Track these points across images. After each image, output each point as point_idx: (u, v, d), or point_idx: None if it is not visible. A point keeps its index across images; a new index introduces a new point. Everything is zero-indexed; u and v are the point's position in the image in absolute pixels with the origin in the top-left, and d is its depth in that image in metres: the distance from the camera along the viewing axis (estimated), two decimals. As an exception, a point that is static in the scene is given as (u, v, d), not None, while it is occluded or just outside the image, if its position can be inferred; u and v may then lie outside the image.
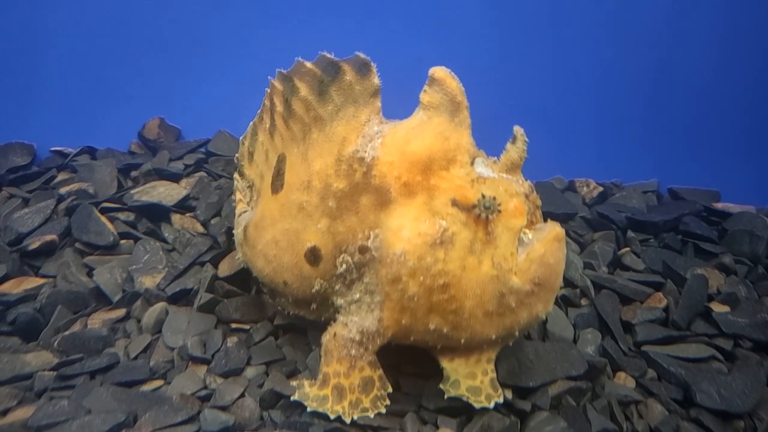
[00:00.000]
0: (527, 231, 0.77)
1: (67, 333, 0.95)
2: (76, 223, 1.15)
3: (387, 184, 0.76)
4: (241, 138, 1.03)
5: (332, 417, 0.79)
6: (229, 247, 1.09)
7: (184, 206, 1.25)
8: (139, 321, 1.00)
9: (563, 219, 1.30)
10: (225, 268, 1.07)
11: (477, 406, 0.80)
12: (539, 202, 0.81)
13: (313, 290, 0.85)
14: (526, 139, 0.78)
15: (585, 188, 1.47)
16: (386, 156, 0.77)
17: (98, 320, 0.99)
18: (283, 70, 0.88)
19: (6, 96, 1.45)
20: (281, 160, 0.90)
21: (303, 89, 0.84)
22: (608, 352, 0.96)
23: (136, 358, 0.93)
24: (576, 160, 1.50)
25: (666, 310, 1.06)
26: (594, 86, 1.46)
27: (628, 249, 1.23)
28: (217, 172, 1.38)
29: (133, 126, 1.50)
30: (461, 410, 0.82)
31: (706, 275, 1.12)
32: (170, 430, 0.79)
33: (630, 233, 1.27)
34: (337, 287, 0.83)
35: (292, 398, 0.81)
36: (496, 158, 0.81)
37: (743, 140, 1.48)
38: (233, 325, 0.99)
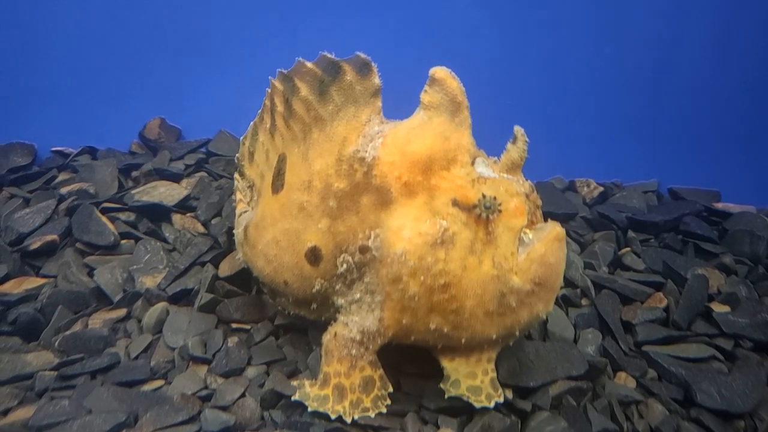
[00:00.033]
0: (528, 231, 0.77)
1: (67, 333, 0.96)
2: (77, 223, 1.15)
3: (388, 184, 0.76)
4: (241, 138, 1.03)
5: (333, 417, 0.79)
6: (230, 247, 1.09)
7: (184, 206, 1.25)
8: (139, 321, 1.00)
9: (564, 219, 1.30)
10: (226, 268, 1.07)
11: (477, 405, 0.80)
12: (540, 202, 0.81)
13: (314, 290, 0.85)
14: (527, 139, 0.78)
15: (585, 188, 1.47)
16: (387, 156, 0.77)
17: (99, 320, 0.99)
18: (283, 70, 0.88)
19: (7, 96, 1.45)
20: (282, 160, 0.90)
21: (303, 89, 0.84)
22: (609, 352, 0.96)
23: (136, 358, 0.93)
24: (576, 160, 1.50)
25: (666, 310, 1.06)
26: (594, 86, 1.46)
27: (628, 249, 1.23)
28: (218, 172, 1.38)
29: (133, 126, 1.50)
30: (462, 410, 0.82)
31: (706, 275, 1.12)
32: (171, 430, 0.79)
33: (630, 233, 1.27)
34: (337, 287, 0.83)
35: (292, 398, 0.82)
36: (496, 158, 0.81)
37: (743, 140, 1.48)
38: (234, 325, 0.99)
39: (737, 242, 1.26)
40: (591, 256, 1.19)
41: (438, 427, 0.81)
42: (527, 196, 0.78)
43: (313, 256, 0.83)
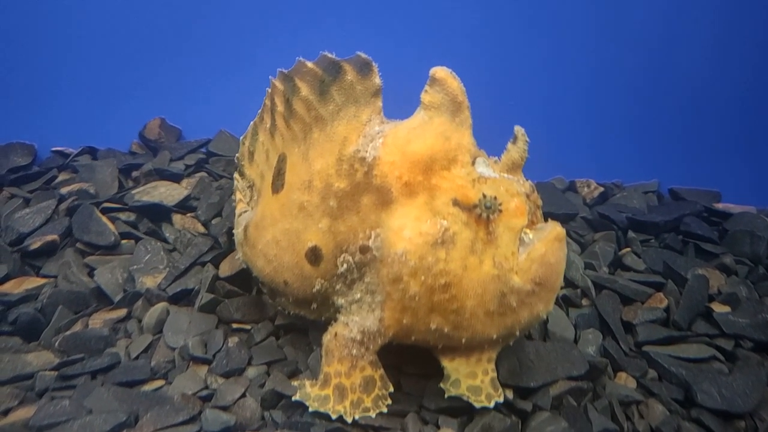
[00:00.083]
0: (528, 231, 0.77)
1: (68, 333, 0.96)
2: (77, 223, 1.15)
3: (388, 184, 0.76)
4: (241, 138, 1.03)
5: (334, 417, 0.79)
6: (230, 247, 1.09)
7: (185, 206, 1.25)
8: (140, 321, 1.00)
9: (564, 219, 1.30)
10: (226, 269, 1.07)
11: (477, 405, 0.80)
12: (540, 202, 0.81)
13: (314, 290, 0.85)
14: (527, 139, 0.78)
15: (586, 188, 1.47)
16: (387, 156, 0.77)
17: (99, 320, 0.99)
18: (284, 70, 0.88)
19: (7, 96, 1.45)
20: (282, 160, 0.90)
21: (304, 89, 0.84)
22: (609, 353, 0.96)
23: (137, 358, 0.93)
24: (577, 160, 1.50)
25: (667, 310, 1.06)
26: (595, 86, 1.46)
27: (628, 249, 1.23)
28: (218, 173, 1.38)
29: (133, 126, 1.50)
30: (462, 410, 0.82)
31: (706, 275, 1.12)
32: (171, 430, 0.79)
33: (631, 233, 1.27)
34: (337, 287, 0.83)
35: (293, 398, 0.81)
36: (496, 158, 0.81)
37: (744, 141, 1.48)
38: (234, 325, 0.99)
39: (737, 242, 1.26)
40: (591, 256, 1.19)
41: (438, 428, 0.81)
42: (528, 196, 0.78)
43: (314, 255, 0.83)
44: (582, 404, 0.87)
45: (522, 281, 0.74)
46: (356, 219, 0.79)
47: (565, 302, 1.06)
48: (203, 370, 0.91)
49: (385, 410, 0.80)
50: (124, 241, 1.15)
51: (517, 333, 0.78)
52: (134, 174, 1.37)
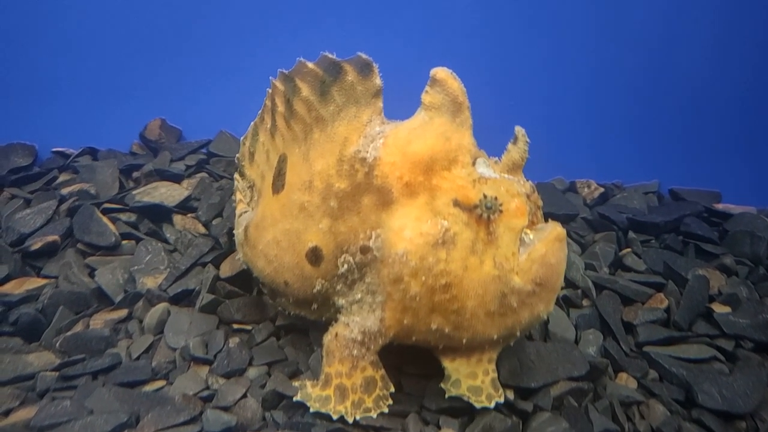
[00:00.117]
0: (528, 231, 0.77)
1: (69, 333, 0.96)
2: (78, 223, 1.15)
3: (389, 185, 0.76)
4: (242, 138, 1.03)
5: (335, 417, 0.79)
6: (231, 247, 1.09)
7: (185, 207, 1.25)
8: (140, 321, 1.00)
9: (564, 220, 1.30)
10: (226, 269, 1.07)
11: (478, 405, 0.80)
12: (540, 203, 0.81)
13: (315, 290, 0.85)
14: (528, 140, 0.78)
15: (586, 189, 1.47)
16: (388, 156, 0.77)
17: (100, 321, 0.99)
18: (284, 71, 0.88)
19: (7, 97, 1.45)
20: (282, 161, 0.90)
21: (305, 89, 0.84)
22: (610, 353, 0.96)
23: (138, 358, 0.93)
24: (577, 160, 1.50)
25: (667, 310, 1.06)
26: (595, 87, 1.46)
27: (629, 250, 1.23)
28: (219, 173, 1.38)
29: (134, 127, 1.50)
30: (463, 411, 0.82)
31: (707, 276, 1.12)
32: (172, 431, 0.79)
33: (631, 234, 1.27)
34: (338, 287, 0.83)
35: (294, 399, 0.82)
36: (497, 158, 0.81)
37: (744, 141, 1.48)
38: (235, 326, 0.99)
39: (738, 243, 1.26)
40: (592, 257, 1.19)
41: (439, 428, 0.81)
42: (528, 196, 0.78)
43: (314, 256, 0.83)
44: (583, 405, 0.87)
45: (523, 282, 0.74)
46: (357, 219, 0.79)
47: (565, 303, 1.06)
48: (204, 370, 0.91)
49: (386, 410, 0.80)
50: (124, 242, 1.15)
51: (518, 333, 0.78)
52: (135, 174, 1.38)
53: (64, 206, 1.21)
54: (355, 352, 0.80)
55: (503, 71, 1.44)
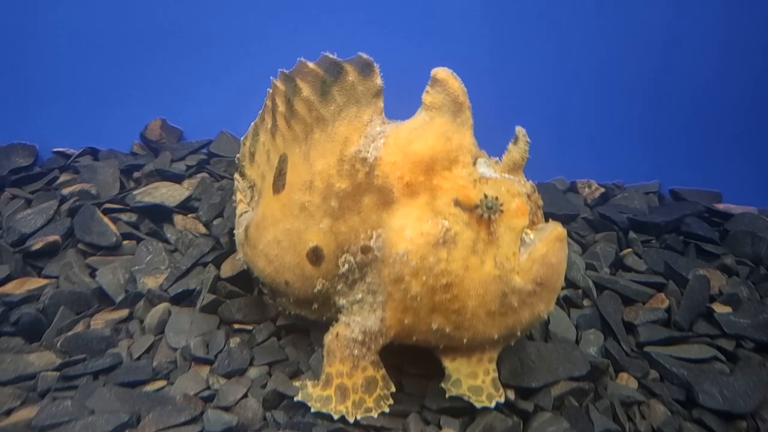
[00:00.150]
0: (529, 231, 0.77)
1: (70, 333, 0.96)
2: (79, 223, 1.15)
3: (389, 184, 0.76)
4: (242, 138, 1.03)
5: (335, 417, 0.79)
6: (232, 248, 1.09)
7: (186, 207, 1.25)
8: (141, 321, 1.00)
9: (565, 220, 1.30)
10: (227, 269, 1.07)
11: (478, 405, 0.80)
12: (541, 203, 0.81)
13: (315, 290, 0.85)
14: (528, 140, 0.78)
15: (587, 189, 1.47)
16: (389, 156, 0.77)
17: (101, 321, 0.99)
18: (285, 71, 0.88)
19: (8, 97, 1.46)
20: (283, 161, 0.90)
21: (305, 89, 0.84)
22: (610, 353, 0.96)
23: (139, 358, 0.93)
24: (578, 161, 1.50)
25: (668, 310, 1.06)
26: (596, 87, 1.46)
27: (629, 250, 1.23)
28: (219, 173, 1.38)
29: (135, 127, 1.50)
30: (464, 411, 0.82)
31: (707, 276, 1.12)
32: (173, 431, 0.79)
33: (632, 234, 1.27)
34: (339, 287, 0.83)
35: (295, 399, 0.82)
36: (497, 158, 0.81)
37: (745, 141, 1.48)
38: (236, 326, 0.99)
39: (738, 243, 1.26)
40: (592, 257, 1.19)
41: (440, 428, 0.81)
42: (529, 196, 0.78)
43: (315, 256, 0.83)
44: (583, 405, 0.87)
45: (523, 281, 0.74)
46: (357, 219, 0.79)
47: (566, 303, 1.06)
48: (205, 370, 0.91)
49: (386, 410, 0.80)
50: (125, 242, 1.15)
51: (519, 333, 0.78)
52: (135, 175, 1.38)
53: (65, 206, 1.21)
54: (355, 351, 0.80)
55: (504, 71, 1.44)
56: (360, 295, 0.81)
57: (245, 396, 0.85)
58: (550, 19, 1.41)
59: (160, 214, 1.21)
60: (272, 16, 1.43)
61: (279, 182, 0.89)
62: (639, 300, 1.09)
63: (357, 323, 0.80)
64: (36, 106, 1.47)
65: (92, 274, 1.08)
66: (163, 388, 0.88)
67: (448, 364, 0.81)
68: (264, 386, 0.87)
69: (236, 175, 1.06)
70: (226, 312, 1.00)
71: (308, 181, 0.83)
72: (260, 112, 0.97)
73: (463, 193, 0.74)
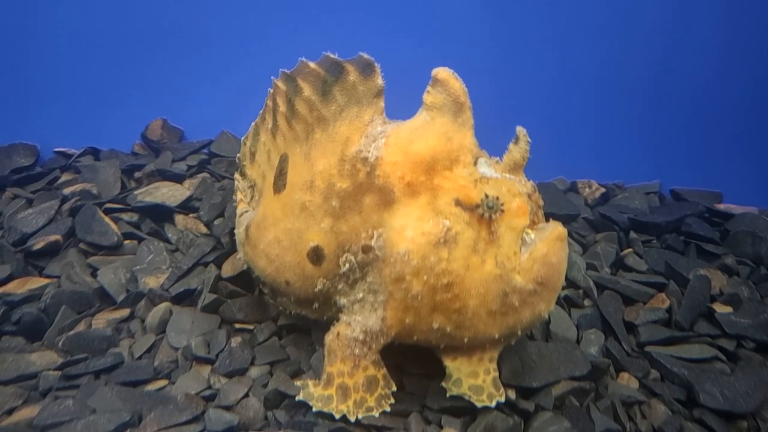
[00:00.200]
0: (530, 231, 0.77)
1: (71, 333, 0.96)
2: (80, 223, 1.15)
3: (390, 184, 0.77)
4: (243, 138, 1.03)
5: (337, 416, 0.79)
6: (233, 247, 1.09)
7: (187, 207, 1.25)
8: (143, 321, 1.00)
9: (565, 220, 1.30)
10: (228, 269, 1.07)
11: (479, 404, 0.80)
12: (541, 202, 0.81)
13: (316, 289, 0.85)
14: (529, 140, 0.78)
15: (587, 189, 1.47)
16: (390, 156, 0.77)
17: (102, 320, 1.00)
18: (286, 71, 0.88)
19: (9, 97, 1.46)
20: (284, 160, 0.90)
21: (306, 89, 0.84)
22: (611, 353, 0.96)
23: (140, 358, 0.94)
24: (578, 161, 1.50)
25: (669, 310, 1.06)
26: (596, 87, 1.46)
27: (630, 250, 1.23)
28: (220, 173, 1.38)
29: (136, 127, 1.50)
30: (465, 410, 0.82)
31: (708, 276, 1.12)
32: (175, 430, 0.79)
33: (632, 234, 1.27)
34: (340, 286, 0.83)
35: (296, 398, 0.82)
36: (498, 158, 0.81)
37: (745, 141, 1.48)
38: (237, 326, 0.99)
39: (739, 243, 1.26)
40: (593, 257, 1.19)
41: (441, 427, 0.81)
42: (529, 196, 0.78)
43: (316, 255, 0.83)
44: (584, 404, 0.87)
45: (524, 281, 0.74)
46: (358, 219, 0.79)
47: (567, 303, 1.06)
48: (206, 370, 0.91)
49: (388, 410, 0.80)
50: (126, 242, 1.15)
51: (519, 332, 0.78)
52: (137, 174, 1.38)
53: (66, 206, 1.21)
54: (356, 351, 0.80)
55: (504, 71, 1.44)
56: (361, 295, 0.81)
57: (246, 395, 0.85)
58: (551, 19, 1.41)
59: (161, 214, 1.22)
60: (272, 16, 1.43)
61: (280, 182, 0.89)
62: (640, 300, 1.09)
63: (358, 322, 0.80)
64: (37, 106, 1.47)
65: (93, 274, 1.08)
66: (164, 387, 0.88)
67: (449, 364, 0.81)
68: (265, 386, 0.87)
69: (237, 175, 1.07)
70: (227, 311, 1.00)
71: (309, 181, 0.83)
72: (261, 111, 0.97)
73: (464, 192, 0.75)
